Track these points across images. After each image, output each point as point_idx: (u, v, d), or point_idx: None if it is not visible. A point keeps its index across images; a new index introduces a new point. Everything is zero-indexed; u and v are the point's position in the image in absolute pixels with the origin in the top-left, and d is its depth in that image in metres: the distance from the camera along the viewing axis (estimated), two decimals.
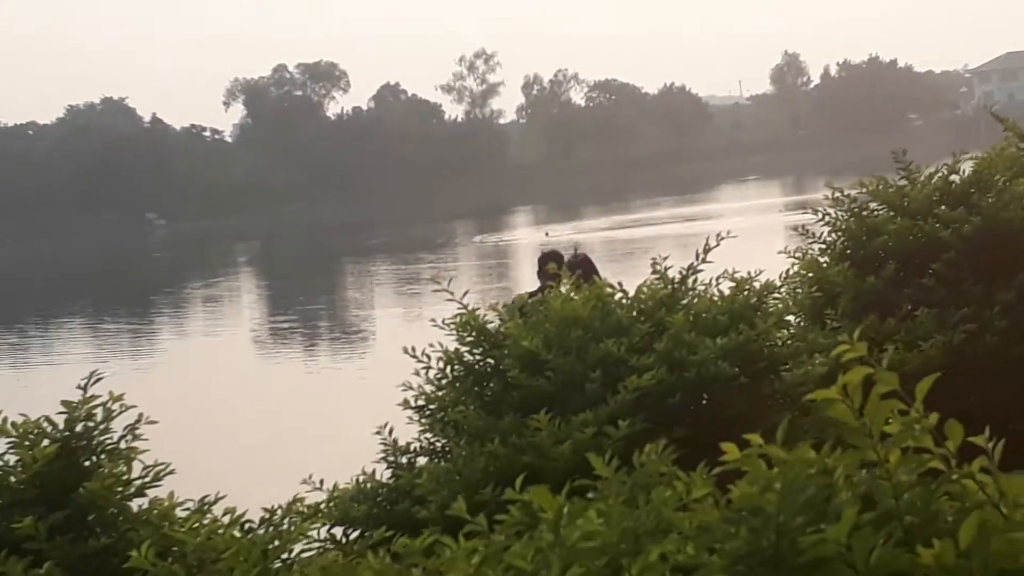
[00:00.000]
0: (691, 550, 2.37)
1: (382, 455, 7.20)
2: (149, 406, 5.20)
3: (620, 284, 7.34)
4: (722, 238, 7.31)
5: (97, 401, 4.87)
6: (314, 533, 6.53)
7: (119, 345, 42.64)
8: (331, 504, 6.77)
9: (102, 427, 4.88)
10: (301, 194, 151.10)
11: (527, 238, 72.37)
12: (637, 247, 52.38)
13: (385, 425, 7.17)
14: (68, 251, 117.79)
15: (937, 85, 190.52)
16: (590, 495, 3.22)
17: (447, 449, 7.07)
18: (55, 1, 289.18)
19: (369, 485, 6.97)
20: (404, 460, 7.21)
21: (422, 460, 7.22)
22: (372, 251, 78.20)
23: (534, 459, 6.37)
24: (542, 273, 11.90)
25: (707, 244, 7.32)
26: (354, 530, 6.76)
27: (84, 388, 4.90)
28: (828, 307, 8.77)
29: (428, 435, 7.24)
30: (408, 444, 7.26)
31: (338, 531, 6.83)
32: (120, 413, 4.90)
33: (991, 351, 8.61)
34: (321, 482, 6.85)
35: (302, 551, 5.02)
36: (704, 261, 7.36)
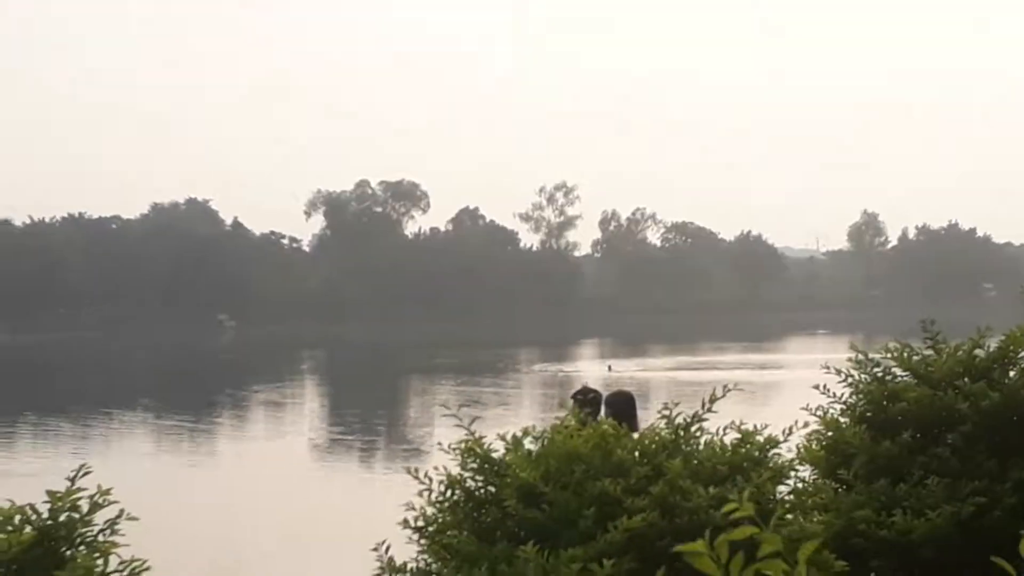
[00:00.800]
0: None
1: (376, 572, 7.29)
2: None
3: (624, 425, 7.46)
4: (729, 390, 7.41)
5: (83, 493, 5.03)
6: None
7: (175, 442, 43.06)
8: None
9: (85, 519, 5.02)
10: (372, 309, 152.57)
11: (588, 370, 72.47)
12: (698, 390, 52.18)
13: (383, 543, 7.27)
14: (139, 345, 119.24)
15: (1015, 256, 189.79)
16: None
17: (440, 573, 7.15)
18: (142, 97, 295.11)
19: None
20: None
21: None
22: (436, 370, 78.55)
23: None
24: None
25: (713, 394, 7.43)
26: None
27: (73, 480, 5.06)
28: (842, 467, 8.85)
29: (425, 556, 7.33)
30: (405, 564, 7.35)
31: None
32: (105, 507, 5.04)
33: (999, 526, 8.58)
34: None
35: None
36: (709, 411, 7.46)
